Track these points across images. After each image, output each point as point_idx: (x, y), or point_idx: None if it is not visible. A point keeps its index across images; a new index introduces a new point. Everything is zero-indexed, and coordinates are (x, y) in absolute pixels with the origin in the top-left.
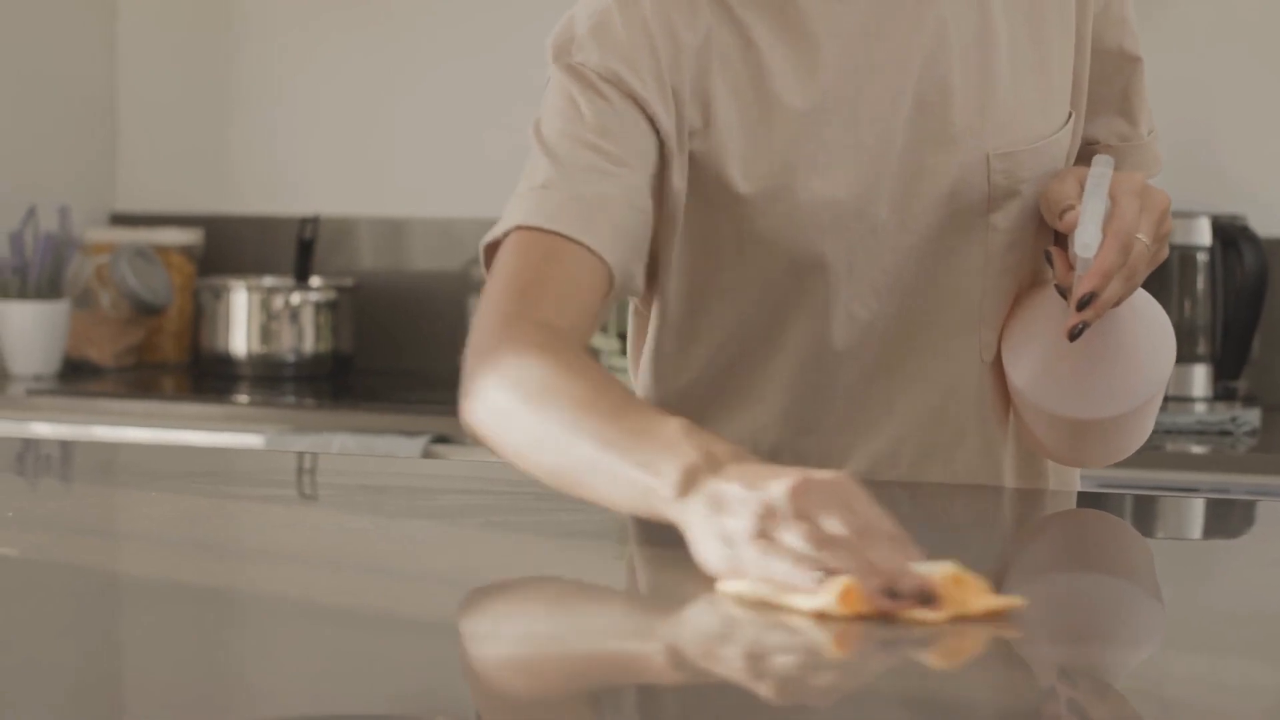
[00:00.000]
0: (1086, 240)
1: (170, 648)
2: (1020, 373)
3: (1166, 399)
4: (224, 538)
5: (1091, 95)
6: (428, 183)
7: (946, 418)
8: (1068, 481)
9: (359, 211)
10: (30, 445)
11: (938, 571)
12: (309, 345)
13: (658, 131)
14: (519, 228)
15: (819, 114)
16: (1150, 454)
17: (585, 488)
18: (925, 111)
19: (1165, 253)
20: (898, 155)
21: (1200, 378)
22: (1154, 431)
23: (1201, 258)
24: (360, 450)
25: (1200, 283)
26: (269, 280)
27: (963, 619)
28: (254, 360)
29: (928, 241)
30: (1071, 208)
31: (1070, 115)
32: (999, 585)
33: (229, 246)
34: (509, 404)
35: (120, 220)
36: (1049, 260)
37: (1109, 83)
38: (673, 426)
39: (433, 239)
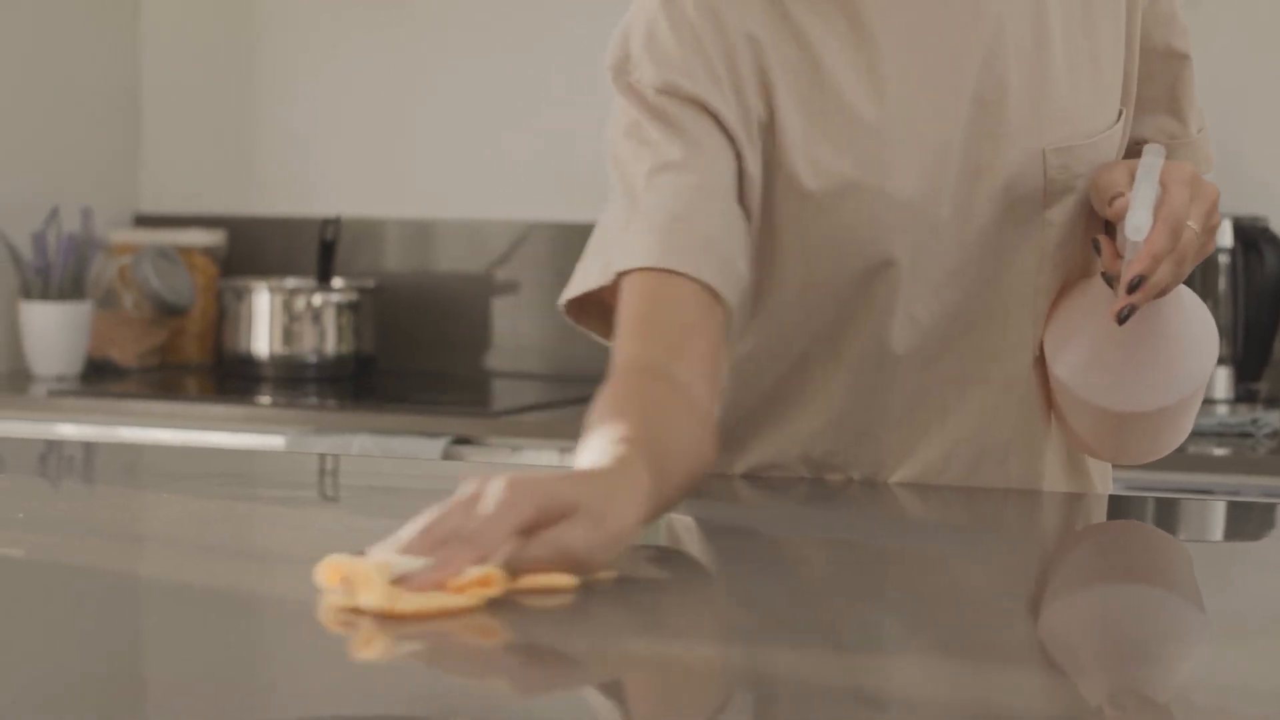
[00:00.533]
0: (1138, 223)
1: (176, 650)
2: (1064, 365)
3: None
4: (234, 539)
5: (1140, 94)
6: (451, 184)
7: (1001, 420)
8: (1105, 483)
9: (383, 212)
10: (52, 446)
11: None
12: (331, 346)
13: (725, 127)
14: (619, 273)
15: (881, 113)
16: (1171, 456)
17: None
18: (983, 109)
19: (1212, 245)
20: (958, 154)
21: (1221, 380)
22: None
23: (1223, 259)
24: (380, 451)
25: (1221, 284)
26: (291, 281)
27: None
28: (276, 361)
29: (986, 239)
30: (1121, 195)
31: (1121, 112)
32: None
33: (252, 247)
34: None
35: (144, 221)
36: (1096, 249)
37: (1157, 81)
38: (597, 450)
39: (456, 240)
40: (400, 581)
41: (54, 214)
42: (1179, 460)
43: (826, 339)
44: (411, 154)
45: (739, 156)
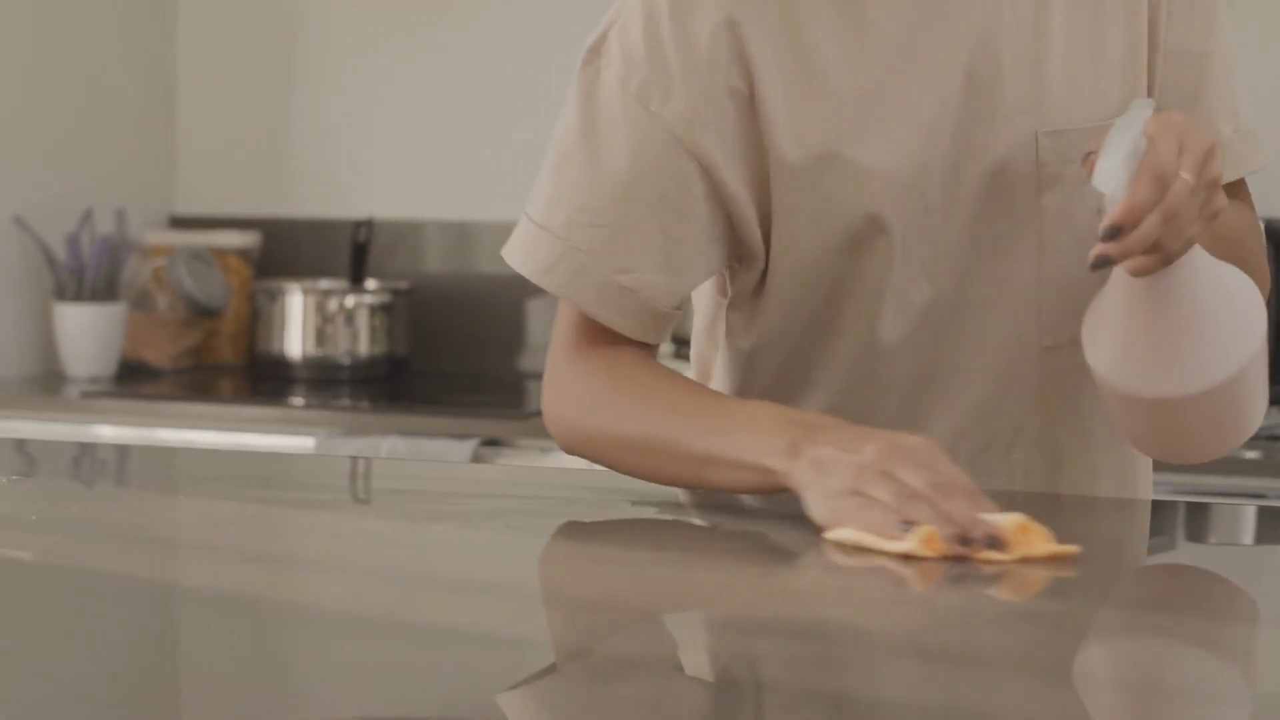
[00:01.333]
0: (1102, 172)
1: (203, 655)
2: (1096, 355)
3: None
4: (247, 541)
5: (1164, 99)
6: (486, 185)
7: (1003, 409)
8: (1148, 487)
9: (418, 214)
10: (85, 449)
11: (1006, 521)
12: (364, 348)
13: (675, 134)
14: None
15: (868, 83)
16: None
17: (701, 479)
18: (977, 87)
19: (1220, 201)
20: (949, 131)
21: None
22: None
23: None
24: (410, 453)
25: None
26: (324, 283)
27: (1027, 560)
28: (309, 363)
29: (979, 222)
30: (1095, 151)
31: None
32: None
33: (286, 249)
34: (597, 397)
35: (178, 223)
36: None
37: (1179, 83)
38: (764, 410)
39: (491, 242)
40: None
41: (88, 215)
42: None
43: (821, 324)
44: (446, 156)
45: (694, 156)
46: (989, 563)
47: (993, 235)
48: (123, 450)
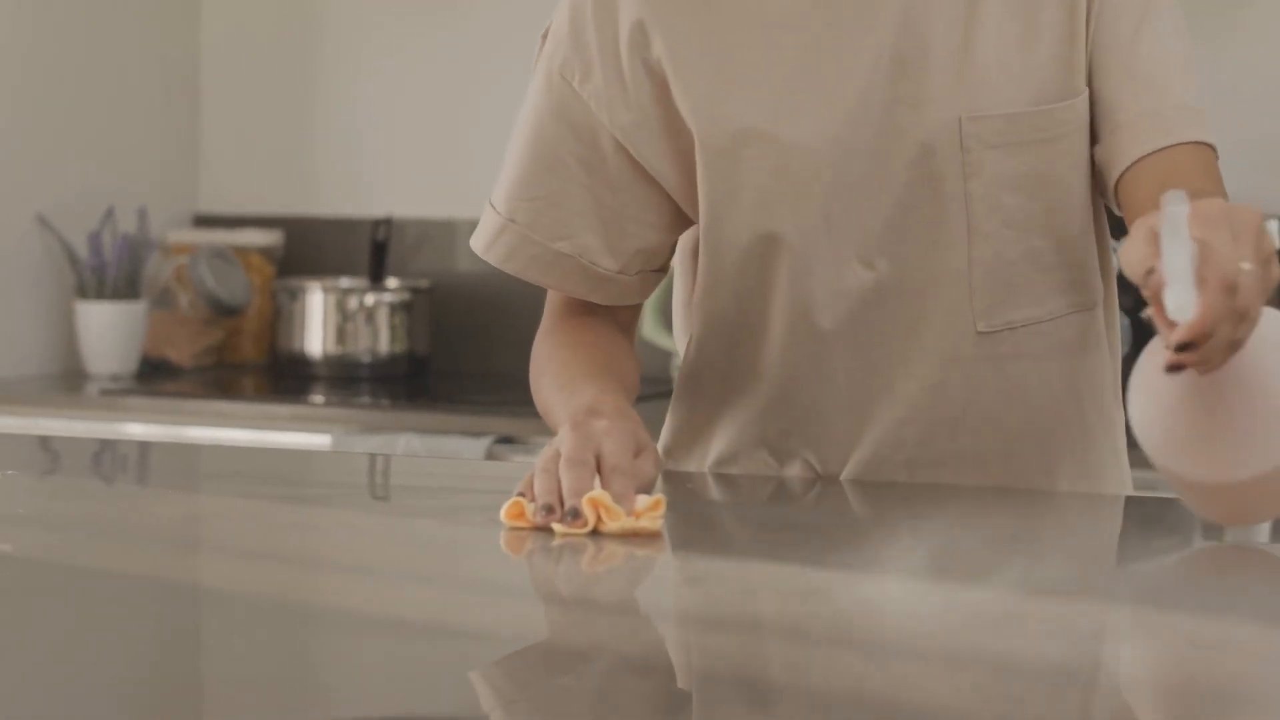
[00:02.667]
0: (1179, 303)
1: (220, 653)
2: (1149, 440)
3: None
4: (261, 538)
5: (1100, 62)
6: None
7: (945, 394)
8: (1119, 481)
9: (440, 213)
10: (106, 445)
11: (594, 495)
12: (384, 346)
13: (600, 119)
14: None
15: (791, 62)
16: None
17: (549, 421)
18: (903, 70)
19: (1276, 271)
20: (876, 114)
21: None
22: None
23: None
24: (426, 451)
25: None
26: (345, 281)
27: (605, 534)
28: (330, 361)
29: (909, 207)
30: (1153, 270)
31: (1077, 97)
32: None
33: (309, 247)
34: (534, 365)
35: (203, 221)
36: (1153, 323)
37: (1115, 44)
38: (586, 397)
39: None
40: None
41: (109, 214)
42: None
43: (759, 310)
44: (468, 154)
45: (612, 132)
46: (564, 534)
47: (923, 220)
48: (142, 447)
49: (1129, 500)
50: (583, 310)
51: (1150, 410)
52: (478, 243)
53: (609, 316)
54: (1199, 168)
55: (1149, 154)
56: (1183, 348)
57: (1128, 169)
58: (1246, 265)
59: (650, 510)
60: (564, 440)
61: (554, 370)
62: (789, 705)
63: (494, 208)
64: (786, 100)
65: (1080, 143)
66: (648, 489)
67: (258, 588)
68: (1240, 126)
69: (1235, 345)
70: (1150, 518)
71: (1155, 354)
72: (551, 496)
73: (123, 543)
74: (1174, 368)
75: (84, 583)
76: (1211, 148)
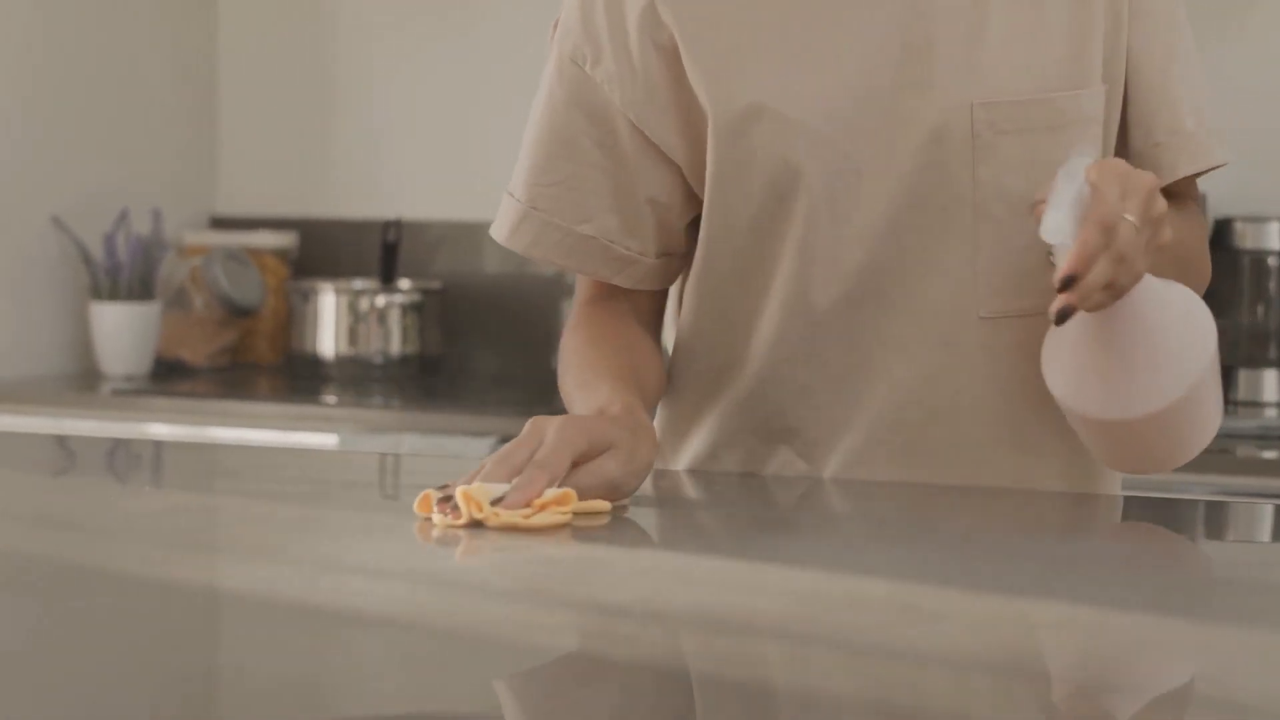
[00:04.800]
0: (1050, 225)
1: (231, 653)
2: (1053, 378)
3: (1238, 404)
4: (236, 538)
5: (1132, 93)
6: None
7: (944, 381)
8: (1112, 480)
9: (453, 215)
10: (119, 444)
11: (467, 488)
12: (395, 347)
13: (612, 100)
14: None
15: (799, 42)
16: (1218, 458)
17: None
18: (912, 55)
19: (1167, 234)
20: (886, 97)
21: (1271, 382)
22: (1223, 436)
23: (1272, 262)
24: (431, 451)
25: (1272, 287)
26: (357, 283)
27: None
28: (342, 362)
29: (915, 191)
30: (1043, 200)
31: (1088, 88)
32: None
33: (324, 249)
34: (562, 357)
35: (219, 223)
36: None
37: (1144, 77)
38: (603, 396)
39: None
40: (495, 503)
41: (123, 215)
42: (1226, 463)
43: (755, 288)
44: (482, 157)
45: (624, 113)
46: (452, 526)
47: (929, 205)
48: (155, 446)
49: (1127, 501)
50: (609, 302)
51: (1055, 353)
52: (499, 232)
53: (634, 309)
54: (1188, 185)
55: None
56: (1064, 286)
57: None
58: (1130, 218)
59: (554, 504)
60: (527, 433)
61: (576, 365)
62: (791, 708)
63: (513, 196)
64: (794, 79)
65: (1092, 134)
66: (606, 490)
67: (269, 588)
68: (1241, 125)
69: (1116, 289)
70: (1145, 519)
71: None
72: (452, 489)
73: (131, 541)
74: (1061, 315)
75: (93, 582)
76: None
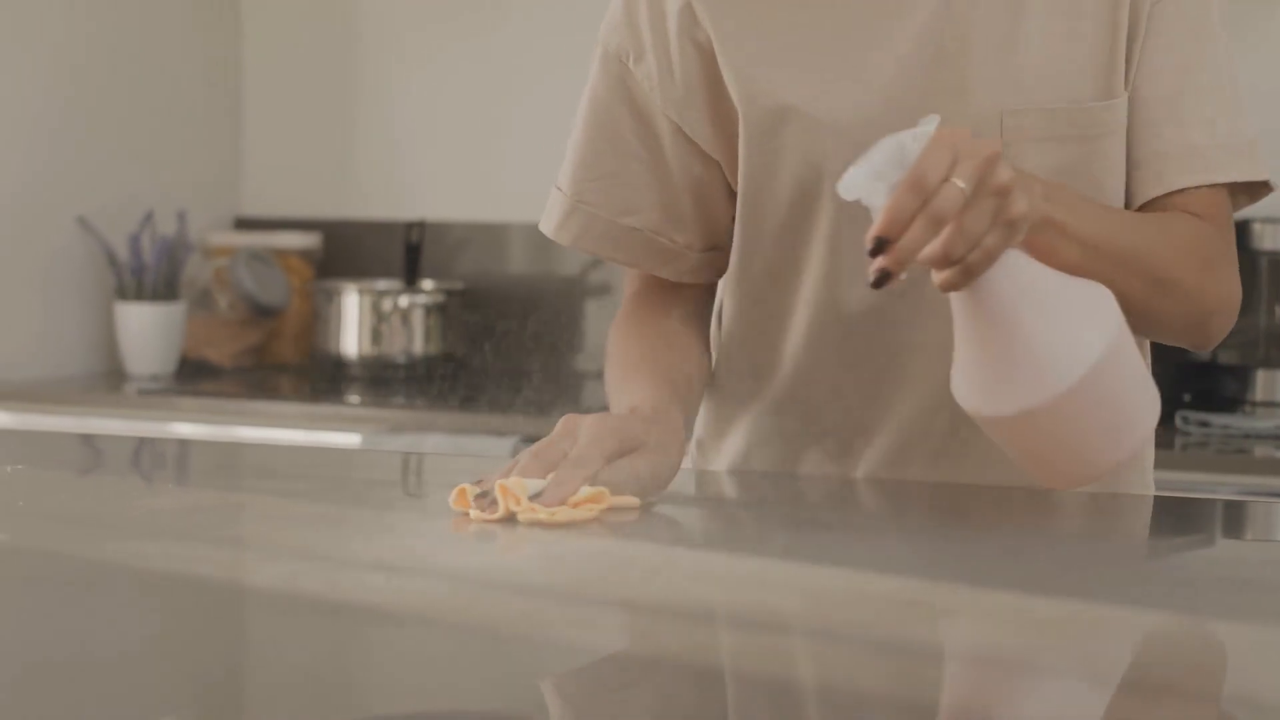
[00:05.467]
0: (846, 182)
1: (249, 650)
2: (953, 377)
3: (1255, 404)
4: (261, 536)
5: (1139, 100)
6: (544, 187)
7: None
8: (1142, 484)
9: (477, 216)
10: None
11: (506, 482)
12: (418, 347)
13: (652, 99)
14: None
15: (831, 44)
16: (1237, 459)
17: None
18: (944, 60)
19: (1017, 208)
20: (913, 99)
21: None
22: (1239, 436)
23: None
24: (452, 450)
25: None
26: (381, 284)
27: (537, 524)
28: (365, 362)
29: None
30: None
31: (1116, 98)
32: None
33: (349, 250)
34: (607, 349)
35: (244, 224)
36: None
37: (1157, 87)
38: (636, 394)
39: (549, 243)
40: (533, 499)
41: (149, 217)
42: (1245, 463)
43: (786, 290)
44: (506, 158)
45: (665, 111)
46: (483, 520)
47: None
48: (172, 444)
49: (1149, 500)
50: (656, 296)
51: (956, 354)
52: (548, 225)
53: (681, 303)
54: (1219, 202)
55: (1188, 188)
56: (876, 249)
57: (1163, 197)
58: (959, 182)
59: (588, 502)
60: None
61: (616, 361)
62: (821, 706)
63: (560, 190)
64: (825, 80)
65: (1117, 145)
66: (636, 488)
67: (294, 584)
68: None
69: (967, 266)
70: (1174, 518)
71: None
72: (489, 483)
73: (156, 538)
74: (878, 280)
75: (119, 578)
76: (1240, 185)
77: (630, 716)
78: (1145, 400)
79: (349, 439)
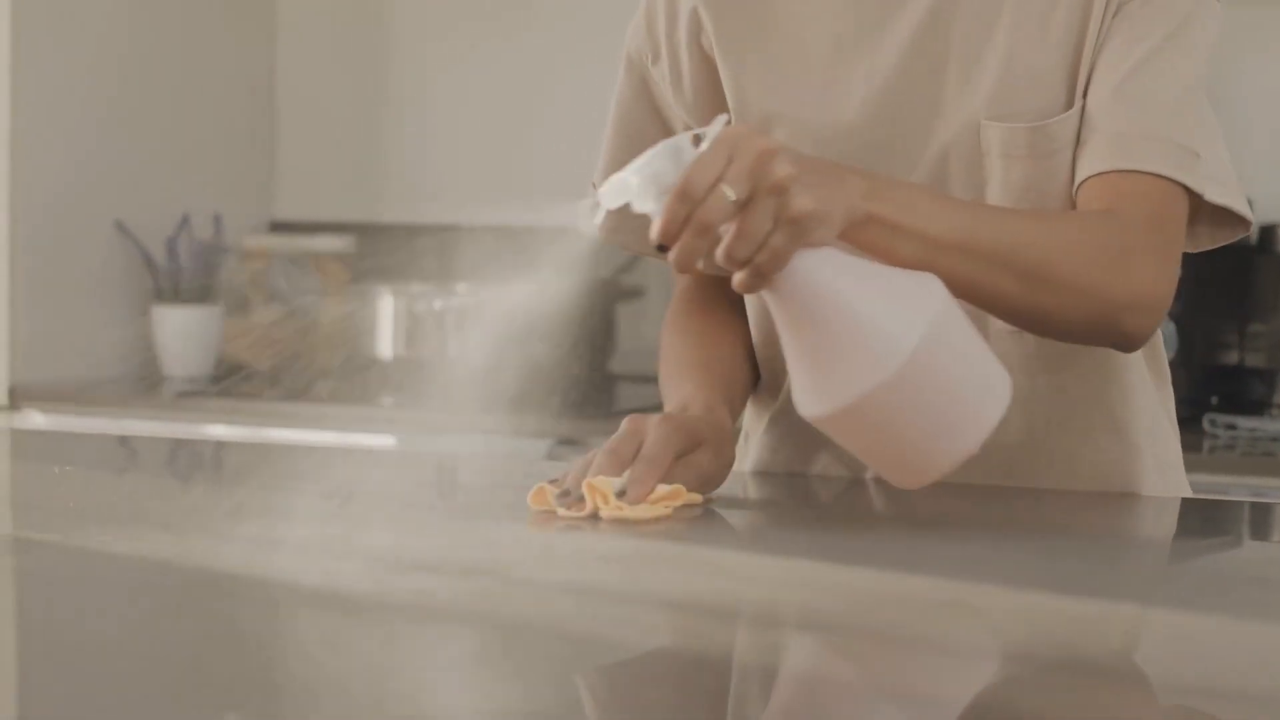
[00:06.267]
0: (608, 188)
1: (272, 650)
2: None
3: (1278, 406)
4: (298, 537)
5: (1090, 96)
6: (580, 190)
7: None
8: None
9: (512, 219)
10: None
11: (592, 480)
12: (453, 349)
13: (665, 99)
14: None
15: (817, 54)
16: (1259, 461)
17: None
18: (925, 72)
19: (799, 204)
20: (895, 111)
21: None
22: (1267, 439)
23: None
24: (487, 452)
25: None
26: (415, 286)
27: (620, 521)
28: (400, 364)
29: None
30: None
31: (1073, 106)
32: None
33: (381, 253)
34: (661, 351)
35: (279, 228)
36: None
37: (1096, 85)
38: (686, 392)
39: (583, 246)
40: (618, 496)
41: (185, 220)
42: (1269, 465)
43: None
44: (537, 161)
45: (680, 110)
46: (566, 517)
47: None
48: (209, 446)
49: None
50: (703, 289)
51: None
52: (585, 219)
53: (726, 295)
54: (1140, 195)
55: (1104, 172)
56: (662, 252)
57: (1083, 183)
58: (727, 190)
59: (667, 499)
60: (629, 428)
61: (669, 359)
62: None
63: (595, 187)
64: (812, 90)
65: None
66: (700, 483)
67: (334, 583)
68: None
69: (755, 267)
70: (1201, 519)
71: None
72: (570, 481)
73: (195, 538)
74: (682, 269)
75: (157, 577)
76: (1183, 188)
77: (666, 713)
78: (986, 386)
79: (385, 440)
